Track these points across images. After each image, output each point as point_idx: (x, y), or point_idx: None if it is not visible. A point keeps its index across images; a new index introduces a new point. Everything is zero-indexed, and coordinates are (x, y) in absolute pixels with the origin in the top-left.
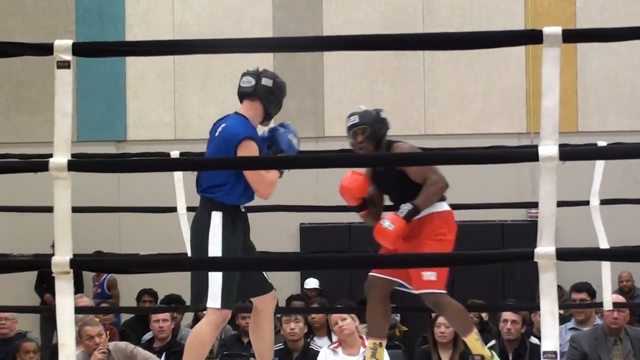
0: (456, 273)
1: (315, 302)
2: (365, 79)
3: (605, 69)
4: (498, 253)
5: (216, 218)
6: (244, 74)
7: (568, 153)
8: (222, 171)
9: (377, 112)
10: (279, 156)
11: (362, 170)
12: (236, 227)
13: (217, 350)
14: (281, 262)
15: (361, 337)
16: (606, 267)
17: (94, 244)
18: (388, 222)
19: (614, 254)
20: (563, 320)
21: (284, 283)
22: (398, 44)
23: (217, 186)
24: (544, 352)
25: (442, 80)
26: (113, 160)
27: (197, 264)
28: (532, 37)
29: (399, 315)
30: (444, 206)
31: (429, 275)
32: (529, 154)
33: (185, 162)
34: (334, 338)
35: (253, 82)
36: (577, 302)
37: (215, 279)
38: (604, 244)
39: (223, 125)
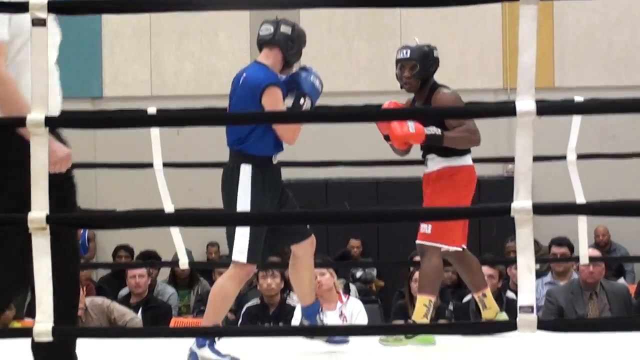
0: None
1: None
2: (342, 36)
3: (581, 25)
4: (475, 208)
5: (245, 171)
6: (263, 23)
7: (545, 108)
8: None
9: (430, 50)
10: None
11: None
12: (266, 180)
13: None
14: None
15: (338, 293)
16: (582, 221)
17: None
18: (413, 126)
19: (590, 209)
20: (539, 274)
21: None
22: (374, 1)
23: (244, 137)
24: (521, 307)
25: (418, 36)
26: (91, 116)
27: (174, 219)
28: None
29: (375, 270)
30: (461, 160)
31: (424, 227)
32: (506, 109)
33: (163, 118)
34: None
35: (272, 29)
36: (558, 256)
37: (242, 233)
38: (580, 199)
39: (244, 75)
